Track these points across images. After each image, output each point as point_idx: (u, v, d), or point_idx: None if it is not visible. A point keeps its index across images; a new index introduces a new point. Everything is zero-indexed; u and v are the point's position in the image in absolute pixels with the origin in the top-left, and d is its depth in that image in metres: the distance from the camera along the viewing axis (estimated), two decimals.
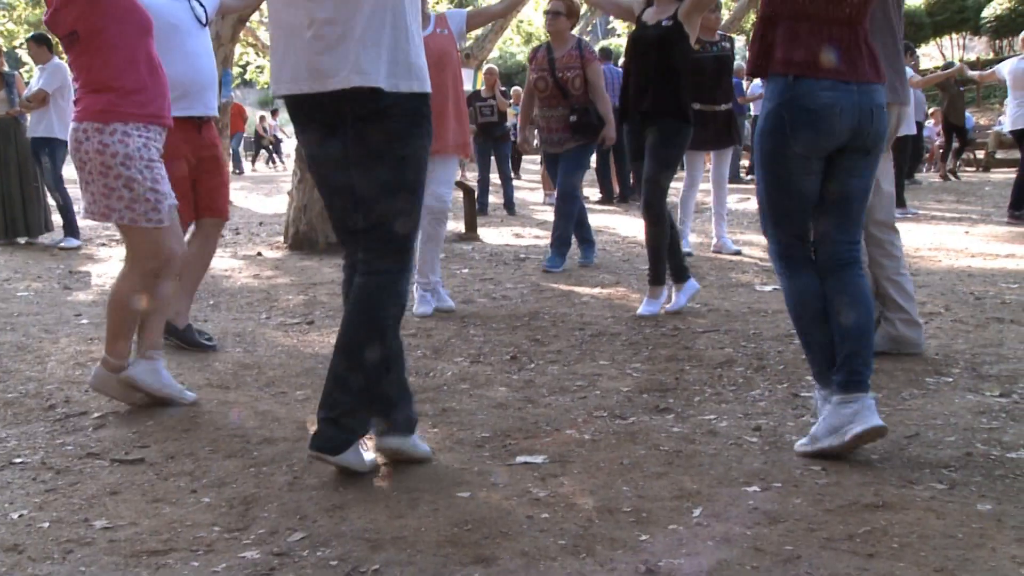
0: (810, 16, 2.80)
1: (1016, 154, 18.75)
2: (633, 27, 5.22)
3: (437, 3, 18.59)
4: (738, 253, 7.39)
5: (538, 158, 13.55)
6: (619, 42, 32.74)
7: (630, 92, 5.04)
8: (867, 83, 2.83)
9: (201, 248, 4.40)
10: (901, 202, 10.04)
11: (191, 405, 3.51)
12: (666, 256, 5.07)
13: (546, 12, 6.62)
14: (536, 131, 6.82)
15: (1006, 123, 9.35)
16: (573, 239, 6.99)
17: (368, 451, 2.84)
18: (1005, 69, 9.57)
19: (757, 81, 16.00)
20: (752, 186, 15.31)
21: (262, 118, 27.23)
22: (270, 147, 27.12)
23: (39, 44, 8.68)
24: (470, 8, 5.33)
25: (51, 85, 8.32)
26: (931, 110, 16.51)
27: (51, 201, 8.82)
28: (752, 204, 11.75)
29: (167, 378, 3.55)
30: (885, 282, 3.96)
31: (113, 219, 3.36)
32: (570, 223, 6.82)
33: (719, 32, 7.32)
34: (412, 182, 2.72)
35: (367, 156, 2.68)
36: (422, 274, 5.23)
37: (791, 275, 2.95)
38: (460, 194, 8.84)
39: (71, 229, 8.56)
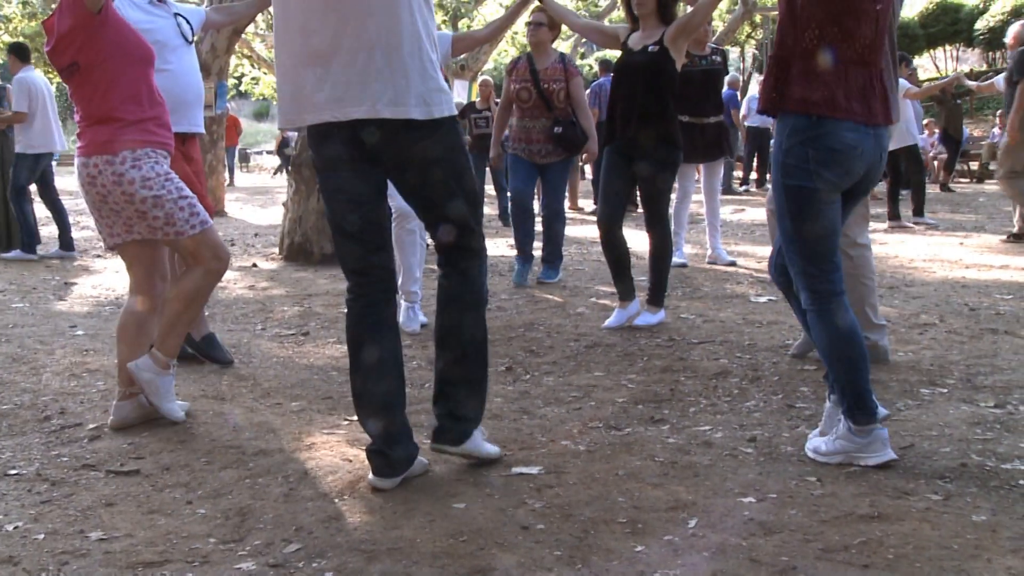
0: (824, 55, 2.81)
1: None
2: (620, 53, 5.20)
3: None
4: (733, 264, 7.40)
5: None
6: (616, 54, 32.86)
7: (617, 119, 5.00)
8: (880, 127, 2.86)
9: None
10: (919, 211, 10.07)
11: (187, 415, 3.50)
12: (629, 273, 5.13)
13: (528, 23, 6.61)
14: (511, 140, 6.77)
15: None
16: (536, 255, 7.01)
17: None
18: (1001, 82, 9.57)
19: (753, 93, 16.09)
20: (746, 197, 15.37)
21: (282, 131, 27.28)
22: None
23: (10, 54, 8.73)
24: (455, 32, 5.30)
25: (22, 104, 8.35)
26: (925, 121, 16.57)
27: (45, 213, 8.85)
28: (747, 215, 11.78)
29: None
30: (855, 283, 4.00)
31: (159, 236, 3.38)
32: (562, 235, 6.88)
33: (710, 45, 7.34)
34: (466, 186, 2.80)
35: (420, 169, 2.72)
36: (403, 287, 5.16)
37: (828, 312, 2.88)
38: None
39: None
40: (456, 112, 2.77)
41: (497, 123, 6.93)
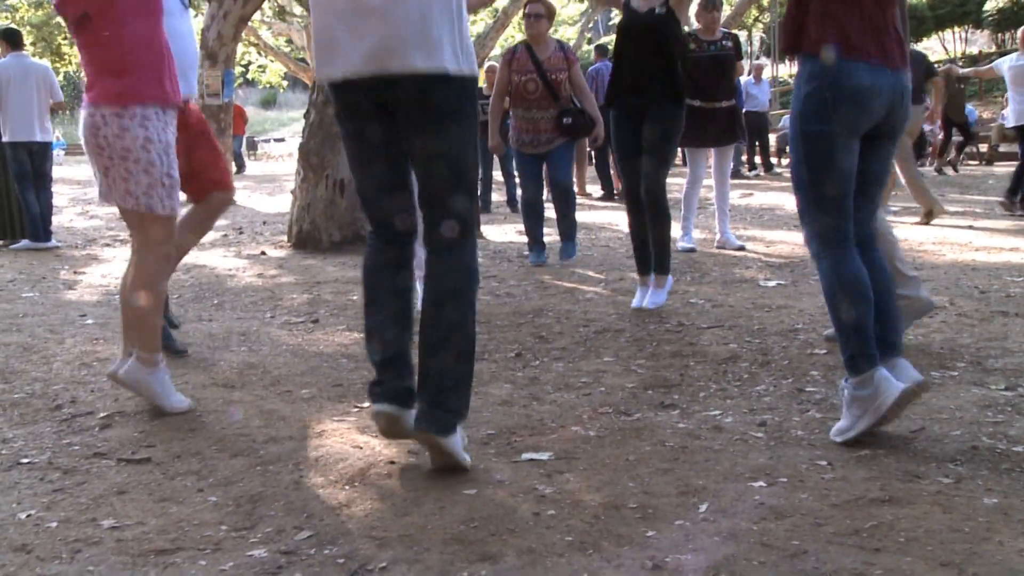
0: None
1: (1017, 147, 18.78)
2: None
3: None
4: (742, 248, 7.38)
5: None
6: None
7: (624, 80, 4.97)
8: (898, 69, 2.86)
9: (202, 223, 4.21)
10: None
11: (197, 403, 3.51)
12: (658, 249, 5.09)
13: (527, 15, 6.60)
14: (515, 133, 6.75)
15: (1009, 118, 9.50)
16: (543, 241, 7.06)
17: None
18: (1004, 66, 9.63)
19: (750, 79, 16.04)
20: (755, 181, 15.32)
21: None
22: None
23: (1, 40, 8.77)
24: None
25: None
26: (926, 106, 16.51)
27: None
28: (755, 200, 11.74)
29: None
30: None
31: (129, 204, 3.33)
32: (574, 208, 6.93)
33: (721, 30, 7.30)
34: (473, 159, 2.77)
35: (427, 137, 2.69)
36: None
37: (835, 257, 2.90)
38: None
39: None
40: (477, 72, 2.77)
41: (492, 112, 6.91)
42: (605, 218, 10.08)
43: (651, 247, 5.11)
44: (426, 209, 2.79)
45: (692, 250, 7.24)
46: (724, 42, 7.16)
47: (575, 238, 7.04)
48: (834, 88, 2.81)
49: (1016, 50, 9.61)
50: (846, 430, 2.88)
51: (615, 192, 12.55)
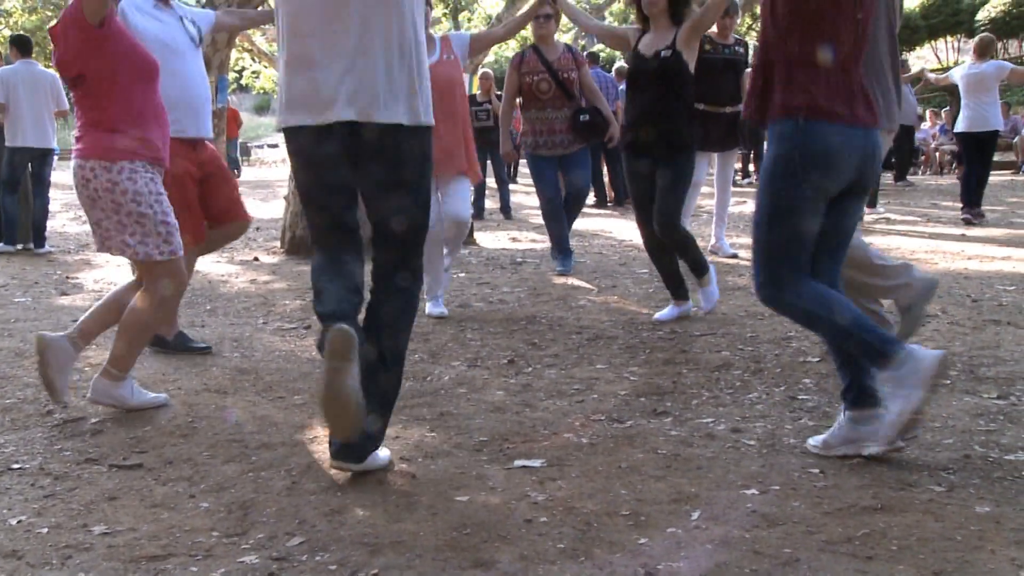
0: (805, 61, 2.81)
1: (1011, 156, 18.89)
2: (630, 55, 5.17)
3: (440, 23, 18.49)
4: (735, 256, 7.39)
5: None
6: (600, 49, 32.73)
7: (634, 126, 4.96)
8: (867, 127, 2.86)
9: (210, 244, 4.41)
10: (872, 202, 10.11)
11: (189, 409, 3.51)
12: (673, 267, 5.10)
13: (537, 16, 6.59)
14: (530, 136, 6.75)
15: (959, 124, 9.90)
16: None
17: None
18: (957, 75, 9.91)
19: None
20: (748, 189, 15.35)
21: None
22: None
23: (11, 46, 8.81)
24: (472, 31, 5.35)
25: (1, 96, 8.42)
26: (926, 111, 16.59)
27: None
28: (748, 207, 11.75)
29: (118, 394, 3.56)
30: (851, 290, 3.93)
31: (128, 254, 3.44)
32: (573, 220, 6.95)
33: (734, 36, 7.30)
34: (424, 204, 2.84)
35: (384, 185, 2.76)
36: (437, 284, 5.31)
37: (792, 291, 2.87)
38: None
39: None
40: (432, 123, 2.81)
41: (503, 118, 6.88)
42: (598, 225, 10.09)
43: (678, 266, 5.12)
44: (381, 257, 2.85)
45: None
46: (736, 47, 7.17)
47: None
48: (803, 150, 2.80)
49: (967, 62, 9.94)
50: (829, 446, 2.87)
51: (608, 200, 12.56)
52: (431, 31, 5.36)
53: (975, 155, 9.92)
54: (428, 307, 5.27)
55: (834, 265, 2.98)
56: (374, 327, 2.81)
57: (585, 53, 10.73)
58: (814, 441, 2.93)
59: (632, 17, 5.23)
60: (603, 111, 6.46)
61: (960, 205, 9.91)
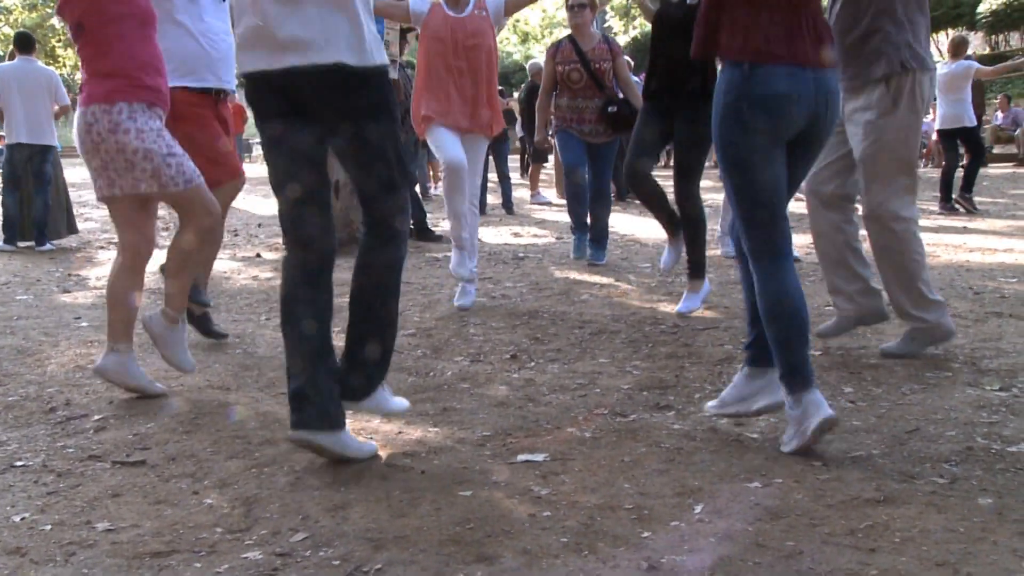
0: (750, 1, 2.77)
1: (1012, 148, 18.88)
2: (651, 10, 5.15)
3: None
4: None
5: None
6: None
7: (658, 73, 4.92)
8: (819, 69, 2.79)
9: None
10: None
11: (192, 405, 3.52)
12: (699, 249, 5.07)
13: (571, 6, 6.59)
14: (559, 121, 6.76)
15: (935, 123, 10.45)
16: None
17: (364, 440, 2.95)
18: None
19: None
20: None
21: None
22: None
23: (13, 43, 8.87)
24: None
25: None
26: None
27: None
28: None
29: (135, 371, 3.67)
30: (845, 249, 3.94)
31: (142, 189, 3.52)
32: (608, 215, 6.95)
33: None
34: (397, 147, 2.84)
35: (360, 125, 2.76)
36: (459, 227, 5.26)
37: (764, 271, 2.85)
38: None
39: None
40: (387, 61, 2.83)
41: (540, 108, 6.88)
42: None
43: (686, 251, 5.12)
44: (366, 204, 2.89)
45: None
46: None
47: (606, 244, 7.05)
48: (749, 98, 2.76)
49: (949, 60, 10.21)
50: (785, 443, 2.86)
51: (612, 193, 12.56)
52: None
53: (951, 150, 10.48)
54: (457, 297, 5.33)
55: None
56: (364, 271, 2.90)
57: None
58: (711, 404, 3.05)
59: (636, 12, 5.21)
60: (635, 103, 6.43)
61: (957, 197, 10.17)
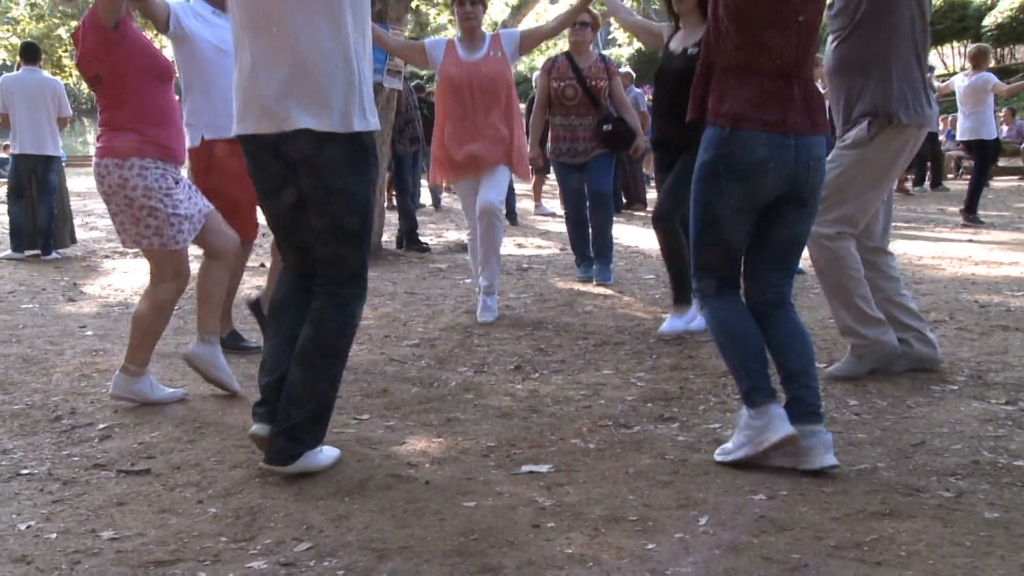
0: (739, 66, 2.80)
1: (1018, 161, 18.86)
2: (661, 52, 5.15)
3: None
4: None
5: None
6: (619, 52, 32.78)
7: (660, 121, 4.96)
8: (802, 135, 2.81)
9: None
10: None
11: (197, 414, 3.52)
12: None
13: (575, 23, 6.56)
14: (551, 141, 6.72)
15: (958, 134, 10.42)
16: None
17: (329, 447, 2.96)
18: (956, 83, 10.40)
19: None
20: None
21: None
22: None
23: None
24: (523, 29, 5.31)
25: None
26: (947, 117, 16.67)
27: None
28: None
29: (222, 364, 3.81)
30: (887, 304, 3.88)
31: (143, 245, 3.62)
32: (610, 225, 6.86)
33: None
34: (361, 213, 2.85)
35: (318, 192, 2.80)
36: (484, 278, 5.36)
37: (712, 305, 2.92)
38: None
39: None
40: (375, 127, 2.86)
41: (534, 122, 6.82)
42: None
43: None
44: (322, 260, 2.90)
45: None
46: None
47: (612, 259, 6.88)
48: (726, 160, 2.79)
49: (966, 70, 10.26)
50: (728, 452, 2.87)
51: (618, 207, 12.56)
52: (483, 29, 5.37)
53: (974, 161, 10.40)
54: (480, 312, 5.34)
55: (781, 277, 2.95)
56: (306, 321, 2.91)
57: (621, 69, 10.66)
58: (717, 451, 2.94)
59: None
60: (630, 122, 6.41)
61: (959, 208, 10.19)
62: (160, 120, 3.59)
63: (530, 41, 5.52)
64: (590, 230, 6.78)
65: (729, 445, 2.89)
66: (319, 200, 2.80)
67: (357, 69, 2.78)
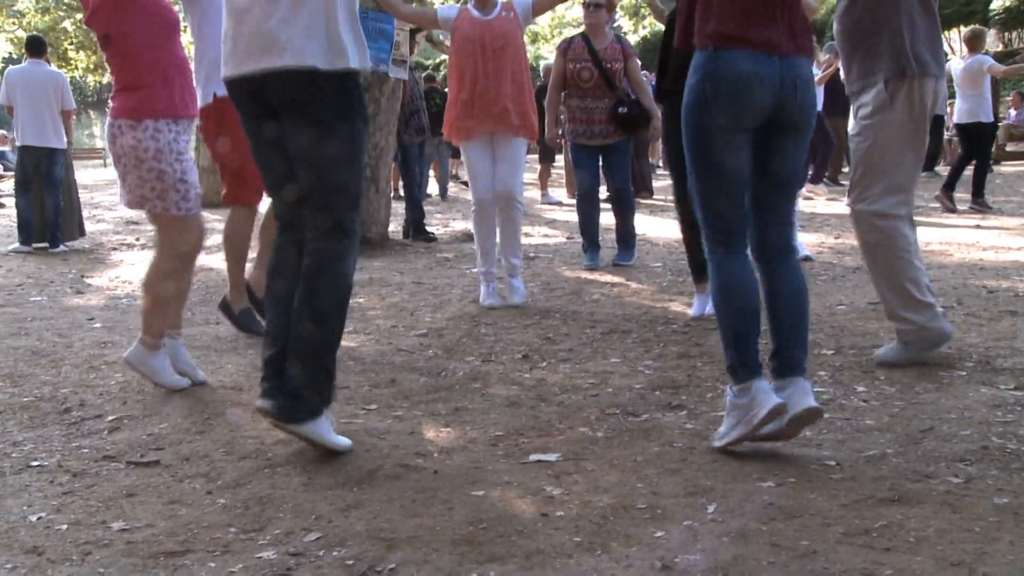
0: None
1: None
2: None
3: None
4: (807, 259, 7.34)
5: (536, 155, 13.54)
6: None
7: (669, 74, 4.94)
8: (787, 56, 2.78)
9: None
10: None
11: (205, 406, 3.53)
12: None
13: (588, 4, 6.55)
14: (568, 123, 6.72)
15: (954, 117, 10.40)
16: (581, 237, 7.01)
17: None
18: (952, 66, 10.27)
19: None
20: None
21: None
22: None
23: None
24: None
25: (2, 97, 8.64)
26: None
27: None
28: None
29: (171, 365, 3.77)
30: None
31: (146, 207, 3.63)
32: (632, 215, 6.88)
33: None
34: (348, 158, 2.84)
35: (303, 137, 2.80)
36: (485, 263, 5.43)
37: (723, 261, 2.87)
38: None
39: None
40: (355, 66, 2.85)
41: (550, 104, 6.80)
42: (610, 219, 10.06)
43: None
44: (309, 209, 2.90)
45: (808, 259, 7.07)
46: None
47: (633, 245, 6.99)
48: (712, 79, 2.76)
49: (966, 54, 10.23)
50: (722, 436, 2.87)
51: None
52: None
53: (967, 145, 10.35)
54: (483, 297, 5.41)
55: (769, 212, 2.91)
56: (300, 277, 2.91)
57: None
58: (719, 435, 2.92)
59: (645, 11, 5.21)
60: (646, 105, 6.40)
61: (969, 194, 10.12)
62: (171, 75, 3.59)
63: (543, 4, 5.51)
64: (613, 221, 6.84)
65: (722, 429, 2.89)
66: (302, 142, 2.81)
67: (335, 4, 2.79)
